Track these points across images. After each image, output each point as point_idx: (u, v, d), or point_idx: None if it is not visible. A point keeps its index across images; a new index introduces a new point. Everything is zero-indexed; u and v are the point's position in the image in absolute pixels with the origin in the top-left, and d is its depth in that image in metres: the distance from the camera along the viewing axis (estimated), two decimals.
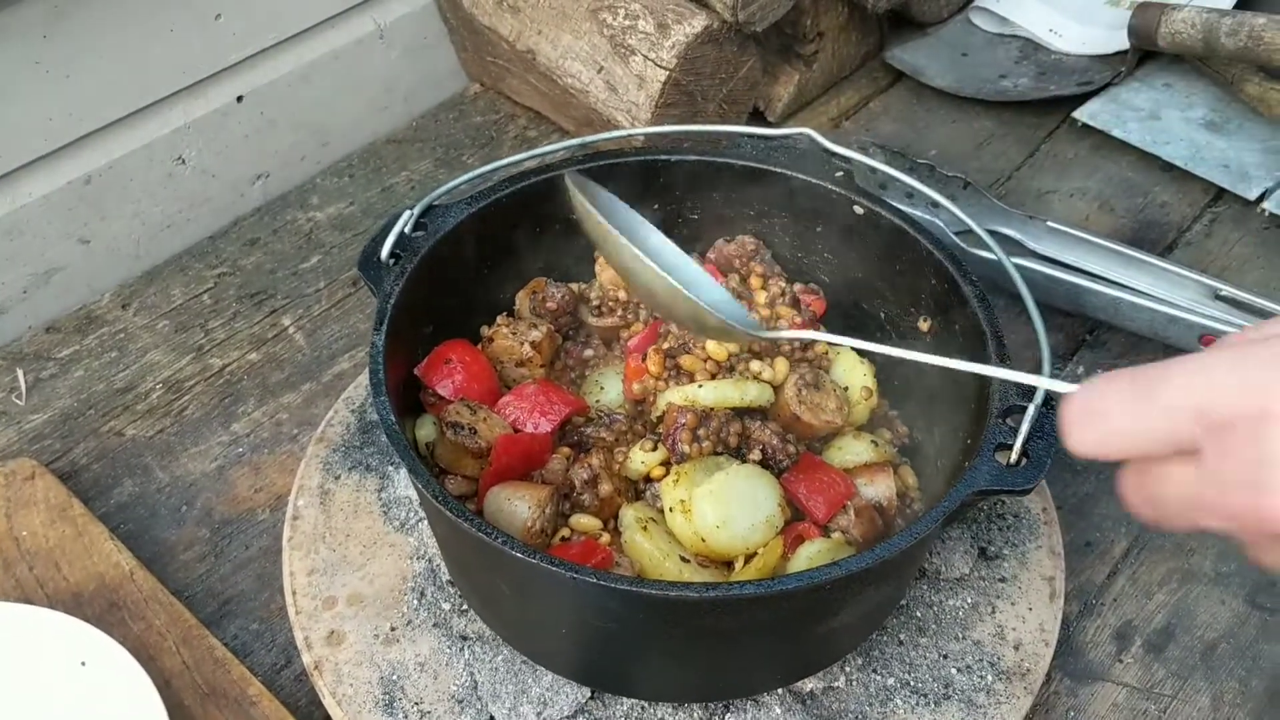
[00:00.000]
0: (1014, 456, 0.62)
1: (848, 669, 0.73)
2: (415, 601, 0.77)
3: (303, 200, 1.15)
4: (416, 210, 0.74)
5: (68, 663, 0.73)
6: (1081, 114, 1.20)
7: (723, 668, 0.67)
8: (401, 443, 0.62)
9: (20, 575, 0.80)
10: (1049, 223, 1.04)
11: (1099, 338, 1.01)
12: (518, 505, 0.68)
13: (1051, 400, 0.64)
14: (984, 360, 0.68)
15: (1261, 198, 1.10)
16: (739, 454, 0.73)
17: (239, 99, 1.10)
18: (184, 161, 1.09)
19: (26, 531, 0.82)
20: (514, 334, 0.78)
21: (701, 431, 0.71)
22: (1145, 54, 1.22)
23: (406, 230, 0.73)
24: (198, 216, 1.11)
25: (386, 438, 0.63)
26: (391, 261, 0.72)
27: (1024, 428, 0.62)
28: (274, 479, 0.91)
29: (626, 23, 1.07)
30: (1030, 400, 0.63)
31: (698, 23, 1.05)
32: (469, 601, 0.74)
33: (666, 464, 0.73)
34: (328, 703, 0.73)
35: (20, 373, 0.99)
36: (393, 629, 0.76)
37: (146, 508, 0.89)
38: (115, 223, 1.06)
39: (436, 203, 0.76)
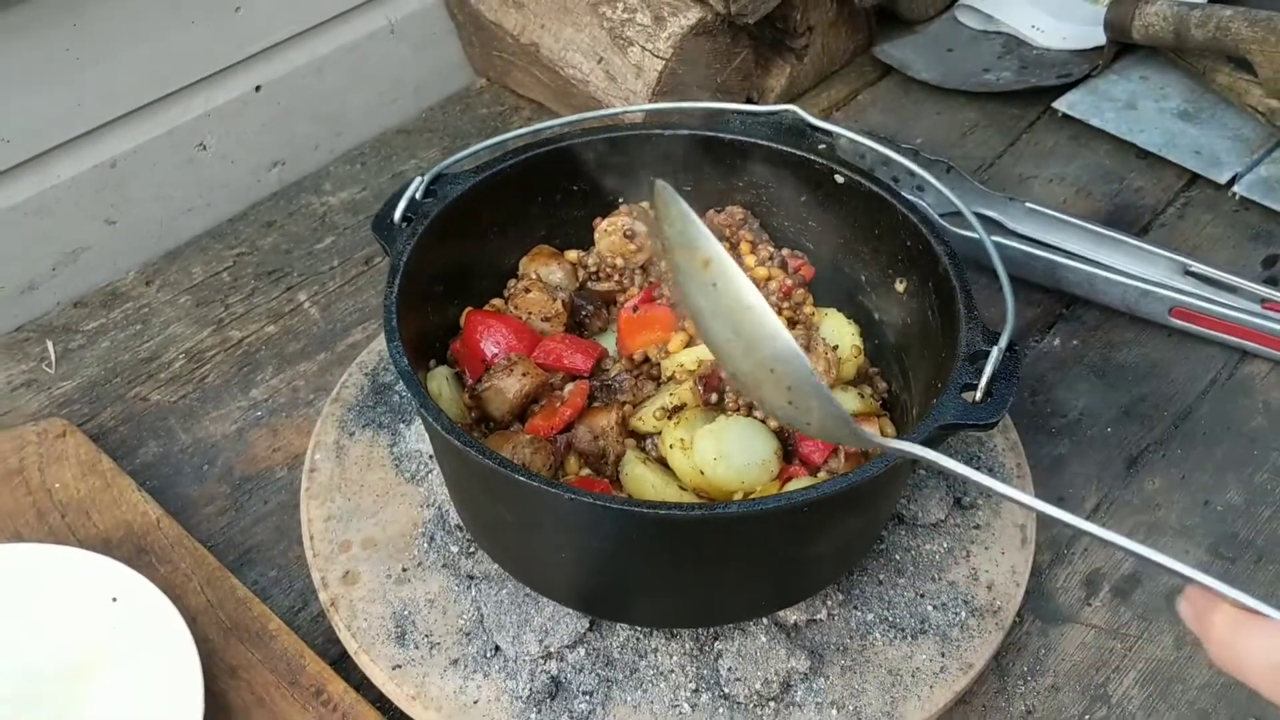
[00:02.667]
0: (979, 395, 0.67)
1: (829, 604, 0.78)
2: (425, 545, 0.82)
3: (316, 186, 1.21)
4: (427, 177, 0.79)
5: (99, 598, 0.78)
6: (1061, 104, 1.25)
7: (711, 593, 0.71)
8: (414, 381, 0.67)
9: (53, 523, 0.85)
10: (1028, 204, 1.09)
11: (1075, 312, 1.06)
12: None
13: (1014, 346, 0.69)
14: (954, 315, 0.73)
15: (1232, 181, 1.15)
16: (750, 411, 0.78)
17: (257, 89, 1.16)
18: (205, 148, 1.14)
19: (58, 484, 0.88)
20: (546, 290, 0.84)
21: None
22: (1122, 48, 1.27)
23: (417, 196, 0.79)
24: (217, 200, 1.17)
25: (400, 377, 0.68)
26: (404, 224, 0.77)
27: (988, 369, 0.67)
28: (291, 440, 0.96)
29: (625, 16, 1.13)
30: (994, 345, 0.68)
31: (692, 15, 1.11)
32: (474, 536, 0.79)
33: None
34: (343, 636, 0.78)
35: (50, 344, 1.04)
36: (404, 570, 0.81)
37: (170, 466, 0.94)
38: (139, 205, 1.11)
39: (446, 171, 0.81)
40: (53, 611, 0.77)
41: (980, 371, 0.68)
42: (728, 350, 0.58)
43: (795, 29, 1.21)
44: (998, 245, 0.81)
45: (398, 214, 0.77)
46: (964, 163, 1.20)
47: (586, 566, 0.70)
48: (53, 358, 1.03)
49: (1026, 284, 1.07)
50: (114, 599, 0.78)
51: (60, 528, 0.85)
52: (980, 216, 1.09)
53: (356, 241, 1.14)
